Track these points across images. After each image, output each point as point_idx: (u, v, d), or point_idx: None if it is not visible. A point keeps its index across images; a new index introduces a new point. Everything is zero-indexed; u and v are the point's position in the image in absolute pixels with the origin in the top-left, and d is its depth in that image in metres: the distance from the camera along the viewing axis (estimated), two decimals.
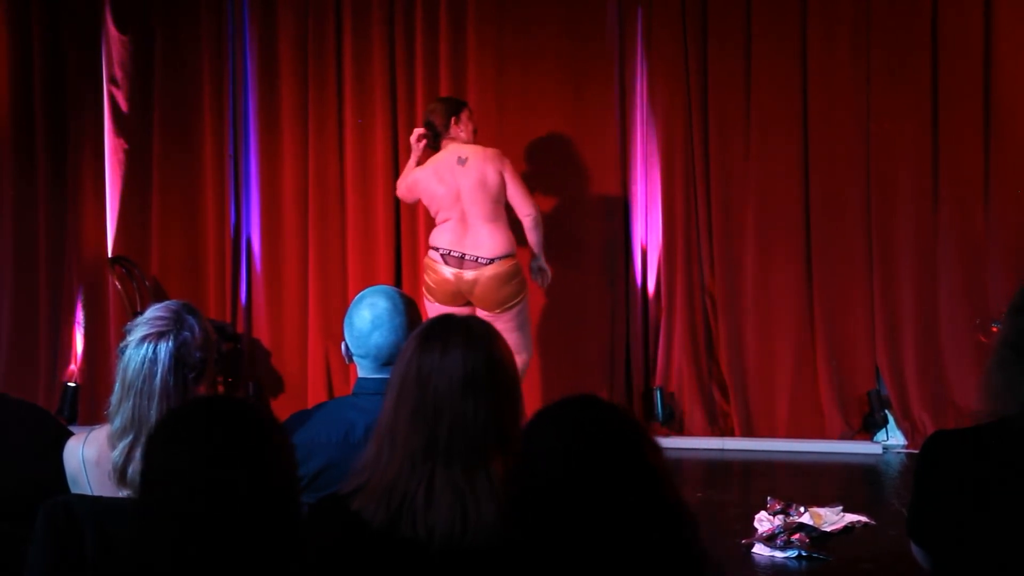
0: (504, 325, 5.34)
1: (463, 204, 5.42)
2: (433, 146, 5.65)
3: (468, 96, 6.39)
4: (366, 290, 2.91)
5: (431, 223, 6.60)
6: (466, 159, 5.44)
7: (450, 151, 5.52)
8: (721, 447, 6.29)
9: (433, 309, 5.38)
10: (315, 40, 6.76)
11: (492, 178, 5.41)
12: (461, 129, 5.58)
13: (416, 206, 6.55)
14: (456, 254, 5.39)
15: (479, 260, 5.36)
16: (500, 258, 5.37)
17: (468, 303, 5.44)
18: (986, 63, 6.11)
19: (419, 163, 5.69)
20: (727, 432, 6.40)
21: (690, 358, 6.43)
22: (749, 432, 6.36)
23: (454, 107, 5.64)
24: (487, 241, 5.38)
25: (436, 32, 6.62)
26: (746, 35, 6.36)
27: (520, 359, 5.42)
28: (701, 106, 6.42)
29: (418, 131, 5.72)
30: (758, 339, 6.38)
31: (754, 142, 6.36)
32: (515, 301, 5.43)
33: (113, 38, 6.93)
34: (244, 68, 6.88)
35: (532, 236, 5.55)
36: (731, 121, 6.39)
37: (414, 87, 6.66)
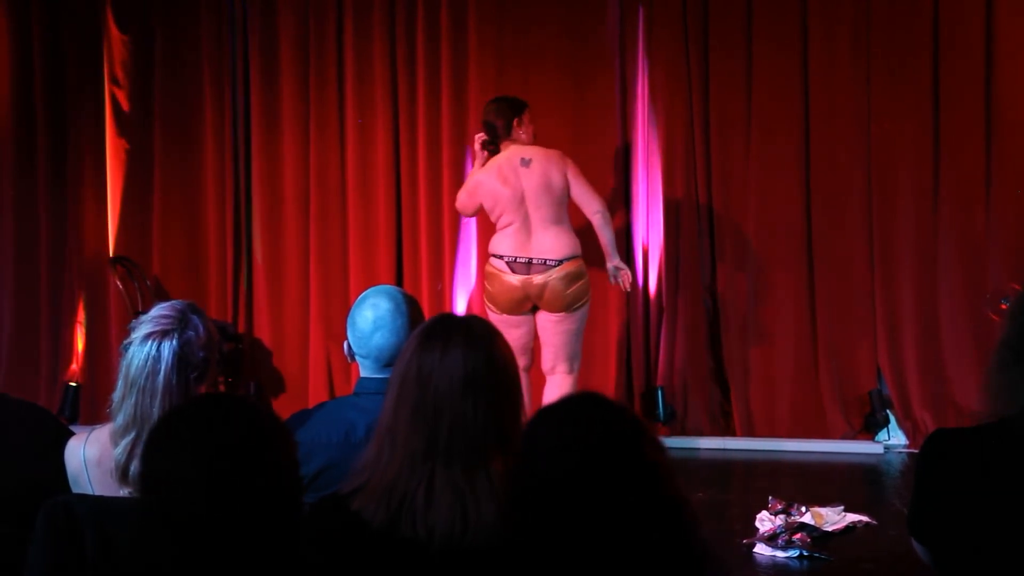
0: (570, 327, 5.35)
1: (527, 207, 5.35)
2: (493, 149, 5.55)
3: (469, 95, 6.39)
4: (369, 290, 2.91)
5: (432, 223, 6.62)
6: (530, 160, 5.37)
7: (512, 152, 5.43)
8: (722, 447, 6.29)
9: (498, 321, 5.27)
10: (316, 39, 6.76)
11: (557, 180, 5.35)
12: (523, 131, 5.50)
13: (418, 204, 6.56)
14: (523, 260, 5.33)
15: (547, 263, 5.31)
16: (568, 259, 5.34)
17: (533, 310, 5.40)
18: (987, 63, 6.11)
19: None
20: (728, 432, 6.40)
21: (691, 358, 6.43)
22: (750, 432, 6.36)
23: (516, 108, 5.53)
24: (554, 243, 5.32)
25: (437, 32, 6.62)
26: (747, 35, 6.36)
27: (575, 365, 5.48)
28: (702, 106, 6.42)
29: (480, 137, 5.59)
30: (759, 339, 6.38)
31: (755, 142, 6.36)
32: (582, 302, 5.41)
33: (114, 38, 6.94)
34: (245, 68, 6.88)
35: (603, 234, 5.46)
36: (732, 121, 6.39)
37: (415, 87, 6.66)
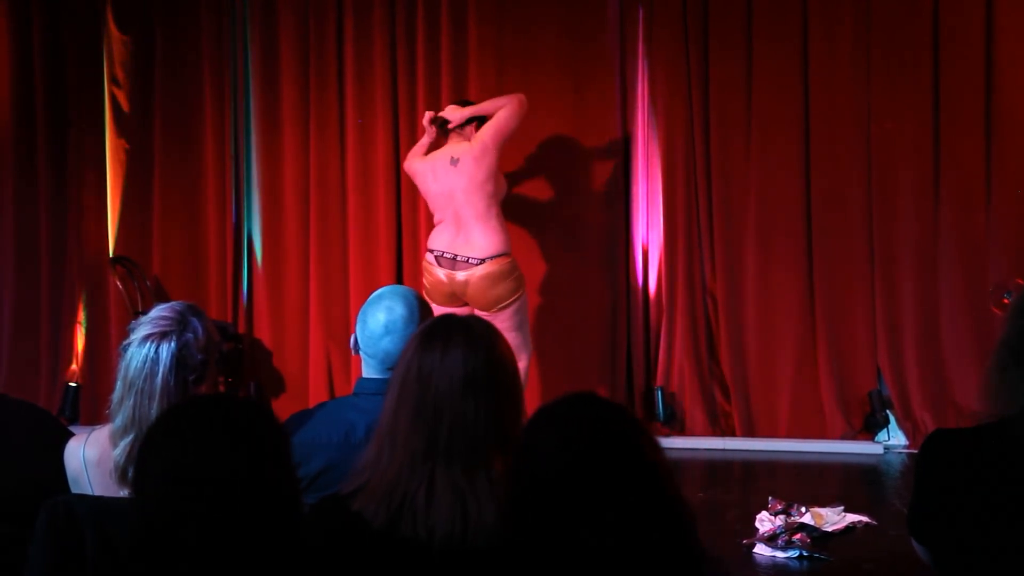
0: (501, 325, 5.33)
1: (455, 204, 5.41)
2: (443, 131, 5.66)
3: (469, 95, 6.39)
4: (385, 290, 2.89)
5: (432, 223, 6.63)
6: (458, 159, 5.43)
7: (446, 150, 5.53)
8: (722, 447, 6.29)
9: (435, 310, 5.36)
10: (316, 40, 6.76)
11: (481, 175, 5.38)
12: (472, 131, 5.56)
13: (418, 204, 6.56)
14: (449, 255, 5.40)
15: (470, 260, 5.35)
16: (492, 257, 5.35)
17: (465, 304, 5.44)
18: (987, 63, 6.11)
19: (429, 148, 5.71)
20: (728, 432, 6.39)
21: (691, 358, 6.43)
22: (750, 432, 6.36)
23: (481, 118, 5.59)
24: (479, 241, 5.36)
25: (438, 32, 6.62)
26: (747, 35, 6.36)
27: (521, 362, 5.42)
28: (702, 106, 6.42)
29: (429, 114, 5.69)
30: (759, 339, 6.38)
31: (755, 141, 6.36)
32: (510, 300, 5.41)
33: (114, 38, 6.94)
34: (245, 68, 6.88)
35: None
36: (732, 120, 6.39)
37: (415, 87, 6.66)
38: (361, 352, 2.83)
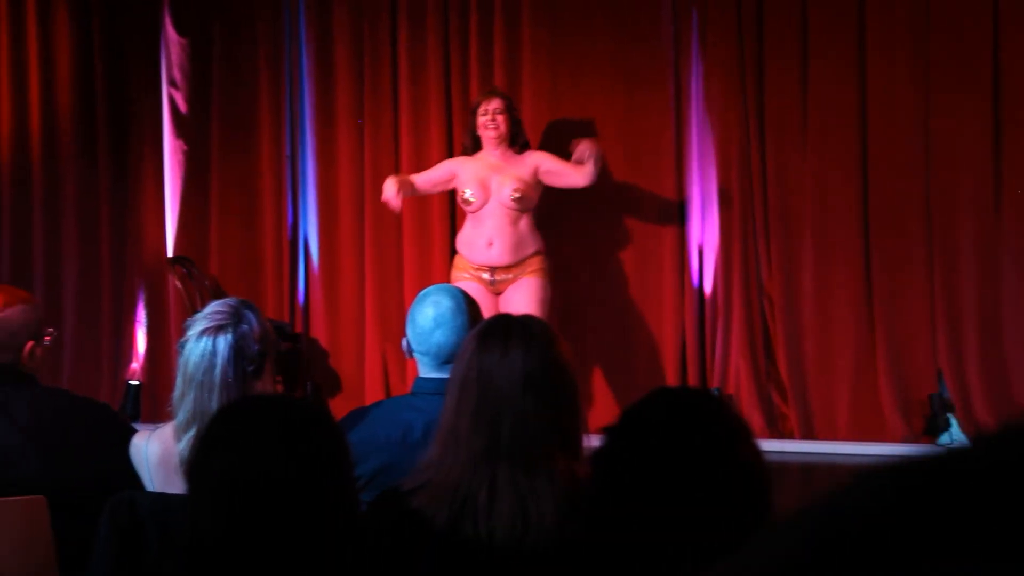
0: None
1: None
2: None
3: (522, 97, 6.40)
4: (430, 288, 2.93)
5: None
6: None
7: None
8: (780, 449, 6.22)
9: None
10: (370, 41, 6.79)
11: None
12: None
13: None
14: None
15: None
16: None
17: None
18: None
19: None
20: (786, 435, 6.33)
21: (747, 359, 6.37)
22: (809, 435, 6.29)
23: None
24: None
25: (491, 34, 6.63)
26: (802, 34, 6.28)
27: None
28: (757, 105, 6.36)
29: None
30: (817, 340, 6.31)
31: (811, 142, 6.29)
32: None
33: (172, 40, 7.02)
34: (300, 69, 6.94)
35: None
36: (787, 120, 6.33)
37: (468, 89, 6.67)
38: (415, 352, 2.84)
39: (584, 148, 5.71)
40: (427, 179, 5.97)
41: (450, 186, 5.98)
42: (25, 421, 2.87)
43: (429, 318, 2.80)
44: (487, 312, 2.91)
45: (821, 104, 6.27)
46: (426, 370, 2.83)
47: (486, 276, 5.77)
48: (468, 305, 2.84)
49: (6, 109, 6.96)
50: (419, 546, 2.06)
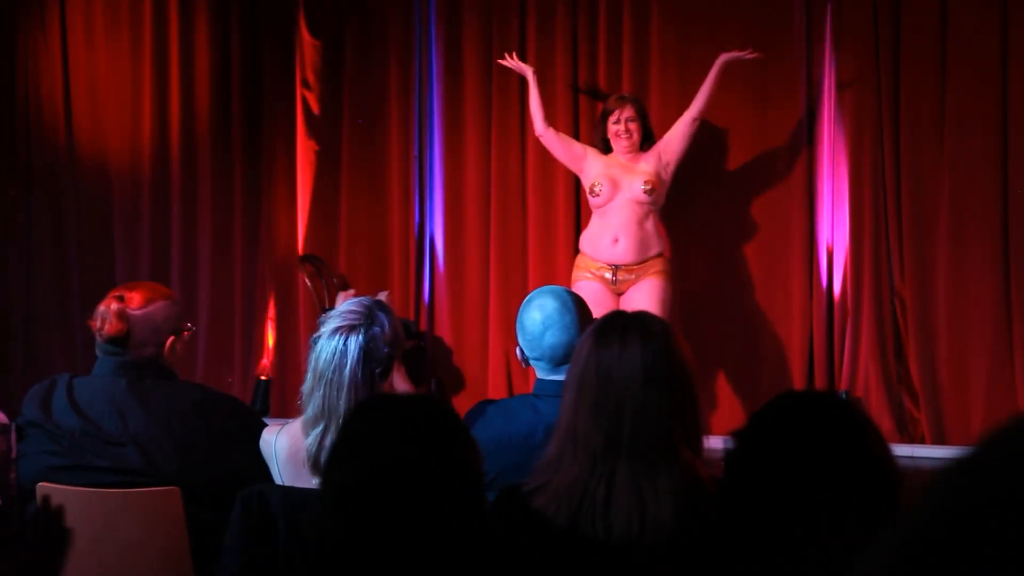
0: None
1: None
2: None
3: (650, 98, 6.35)
4: (533, 292, 2.92)
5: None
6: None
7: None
8: (911, 454, 6.07)
9: None
10: (499, 43, 6.82)
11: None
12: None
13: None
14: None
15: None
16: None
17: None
18: None
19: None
20: (917, 439, 6.17)
21: (877, 361, 6.23)
22: (941, 440, 6.11)
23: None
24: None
25: (619, 36, 6.59)
26: (941, 32, 6.10)
27: None
28: (892, 104, 6.19)
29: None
30: (951, 343, 6.13)
31: (948, 140, 6.11)
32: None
33: (306, 43, 7.16)
34: (429, 70, 7.01)
35: None
36: (924, 119, 6.15)
37: (595, 90, 6.65)
38: (529, 359, 2.84)
39: None
40: (563, 136, 6.14)
41: (573, 158, 6.05)
42: (163, 414, 2.94)
43: (537, 322, 2.80)
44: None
45: (960, 103, 6.07)
46: (544, 374, 2.83)
47: (608, 275, 5.75)
48: (575, 302, 2.83)
49: (149, 110, 7.18)
50: (540, 547, 2.07)
